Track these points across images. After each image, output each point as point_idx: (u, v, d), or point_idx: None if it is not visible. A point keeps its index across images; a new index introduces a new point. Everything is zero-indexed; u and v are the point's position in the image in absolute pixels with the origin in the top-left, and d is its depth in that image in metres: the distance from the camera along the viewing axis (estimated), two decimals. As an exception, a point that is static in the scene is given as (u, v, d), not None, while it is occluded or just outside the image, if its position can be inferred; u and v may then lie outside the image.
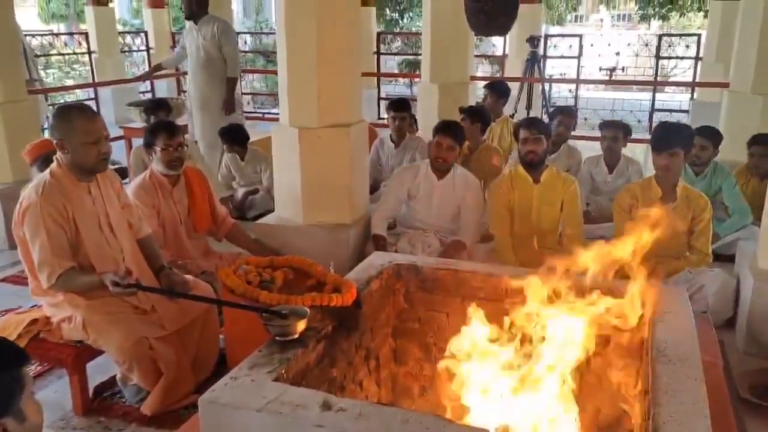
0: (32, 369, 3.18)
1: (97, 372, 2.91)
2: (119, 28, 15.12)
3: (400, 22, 17.92)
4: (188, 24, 6.03)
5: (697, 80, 9.39)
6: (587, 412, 2.51)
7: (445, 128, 3.93)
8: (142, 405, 2.74)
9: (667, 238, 2.18)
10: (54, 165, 2.64)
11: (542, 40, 8.90)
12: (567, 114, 5.17)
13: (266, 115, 10.13)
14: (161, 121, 3.99)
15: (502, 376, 2.30)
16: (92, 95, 9.53)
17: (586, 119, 9.47)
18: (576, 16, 24.59)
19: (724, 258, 3.95)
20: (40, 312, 2.79)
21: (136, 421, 2.72)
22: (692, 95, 9.89)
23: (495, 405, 2.26)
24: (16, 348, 1.43)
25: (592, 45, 11.06)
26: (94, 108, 9.03)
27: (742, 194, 4.30)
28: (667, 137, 3.44)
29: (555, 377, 2.25)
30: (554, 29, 17.77)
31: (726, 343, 3.18)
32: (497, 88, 5.79)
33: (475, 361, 2.37)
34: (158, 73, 7.80)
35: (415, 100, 6.64)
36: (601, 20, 25.51)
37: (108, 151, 2.64)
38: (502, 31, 3.72)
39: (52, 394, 2.93)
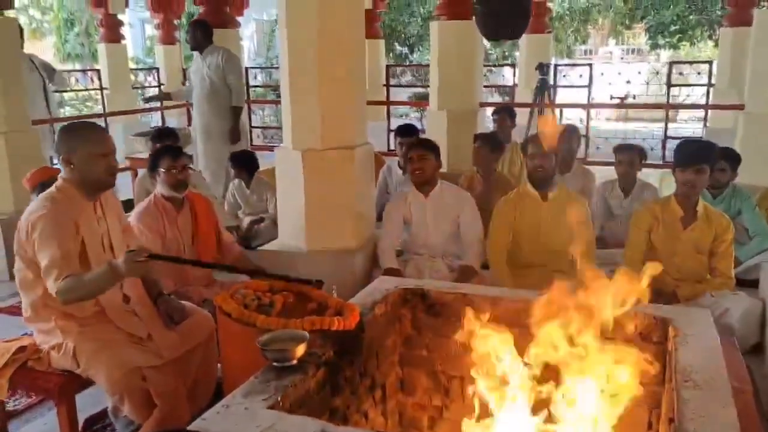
0: (21, 400, 3.11)
1: (88, 404, 2.79)
2: (132, 65, 15.36)
3: (410, 56, 18.08)
4: (194, 54, 6.07)
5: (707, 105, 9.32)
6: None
7: (413, 143, 4.06)
8: (132, 438, 2.61)
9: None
10: (59, 182, 2.57)
11: (552, 68, 8.88)
12: (567, 131, 5.08)
13: (275, 147, 10.11)
14: (165, 145, 3.95)
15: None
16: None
17: (598, 148, 9.37)
18: (585, 50, 24.71)
19: (746, 283, 3.78)
20: (29, 340, 2.68)
21: (126, 455, 2.59)
22: (705, 123, 9.79)
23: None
24: None
25: (602, 74, 11.01)
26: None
27: (762, 216, 4.16)
28: (694, 153, 3.33)
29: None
30: (559, 60, 17.83)
31: (753, 369, 3.01)
32: (507, 112, 5.74)
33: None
34: (169, 104, 7.86)
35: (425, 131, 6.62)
36: (611, 53, 25.59)
37: (116, 166, 2.58)
38: (513, 35, 3.67)
39: (41, 426, 2.82)
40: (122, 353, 2.50)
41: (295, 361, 2.01)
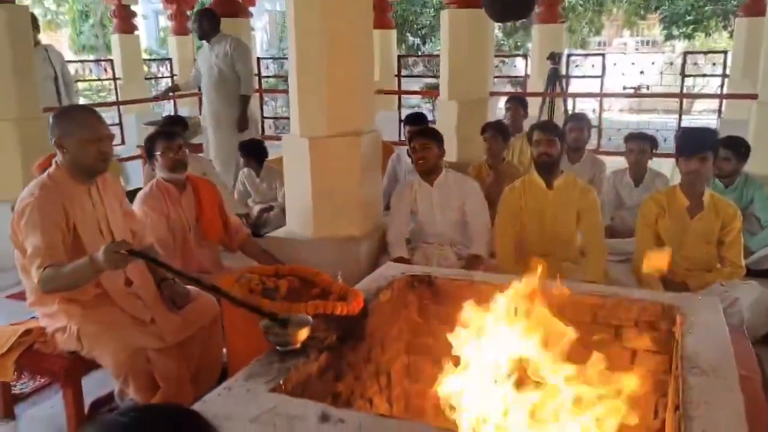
0: (28, 383, 3.13)
1: (95, 387, 2.81)
2: (145, 56, 15.41)
3: (422, 47, 17.99)
4: (202, 43, 6.06)
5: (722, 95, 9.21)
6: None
7: (415, 132, 4.00)
8: (138, 420, 2.61)
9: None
10: (52, 167, 2.57)
11: (563, 58, 8.79)
12: (578, 119, 5.05)
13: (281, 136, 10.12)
14: (158, 129, 3.94)
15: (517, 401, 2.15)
16: (116, 120, 9.62)
17: (610, 139, 9.29)
18: (599, 41, 24.48)
19: (758, 273, 3.73)
20: (35, 323, 2.70)
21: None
22: (719, 114, 9.67)
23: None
24: None
25: (615, 64, 10.88)
26: (118, 132, 9.26)
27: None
28: (696, 141, 3.29)
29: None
30: (578, 52, 17.68)
31: (763, 359, 2.97)
32: (519, 101, 5.71)
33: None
34: (180, 94, 7.86)
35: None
36: (625, 44, 25.34)
37: (108, 151, 2.57)
38: (518, 16, 3.64)
39: (47, 410, 2.84)
40: (126, 335, 2.51)
41: (297, 345, 2.01)
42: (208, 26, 5.83)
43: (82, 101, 14.18)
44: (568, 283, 2.29)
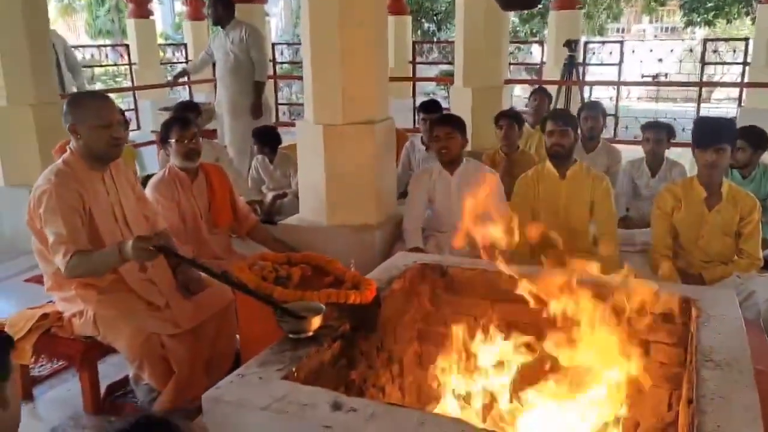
0: (46, 366, 3.18)
1: (111, 372, 2.84)
2: (161, 41, 15.42)
3: (437, 33, 17.86)
4: (216, 29, 6.05)
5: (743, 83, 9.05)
6: (627, 424, 2.34)
7: (438, 120, 3.98)
8: (153, 405, 2.65)
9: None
10: (66, 153, 2.59)
11: (581, 45, 8.68)
12: (592, 108, 5.01)
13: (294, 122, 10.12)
14: (174, 116, 3.96)
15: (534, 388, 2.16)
16: (132, 106, 9.67)
17: (627, 128, 9.19)
18: (618, 28, 24.17)
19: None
20: (52, 307, 2.73)
21: (147, 422, 2.62)
22: (740, 103, 9.52)
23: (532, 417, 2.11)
24: (2, 333, 1.35)
25: (633, 51, 10.72)
26: (134, 117, 9.32)
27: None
28: (713, 132, 3.22)
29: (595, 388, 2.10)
30: (596, 40, 17.47)
31: (780, 353, 2.94)
32: (545, 92, 5.72)
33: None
34: (196, 78, 7.86)
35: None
36: (644, 31, 25.03)
37: (121, 137, 2.58)
38: (526, 5, 3.60)
39: (65, 392, 2.88)
40: (141, 321, 2.54)
41: (310, 333, 2.02)
42: (223, 12, 5.82)
43: (98, 86, 14.30)
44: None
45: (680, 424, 2.24)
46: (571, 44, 7.14)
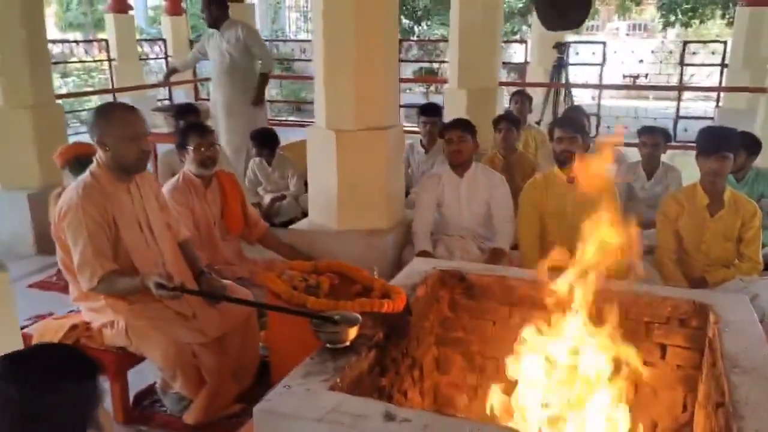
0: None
1: (135, 380, 2.83)
2: (136, 36, 15.17)
3: (416, 29, 17.87)
4: (210, 31, 6.00)
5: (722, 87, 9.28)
6: (644, 426, 2.43)
7: (451, 124, 4.00)
8: (184, 414, 2.67)
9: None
10: (93, 165, 2.58)
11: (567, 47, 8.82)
12: (575, 111, 5.13)
13: (283, 122, 10.11)
14: (192, 123, 3.95)
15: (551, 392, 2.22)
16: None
17: (609, 127, 9.36)
18: (592, 26, 24.46)
19: (772, 266, 3.83)
20: (78, 317, 2.72)
21: (179, 431, 2.65)
22: (717, 103, 9.76)
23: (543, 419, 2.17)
24: (92, 359, 1.37)
25: (615, 52, 10.91)
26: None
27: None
28: (717, 140, 3.33)
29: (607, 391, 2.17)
30: (570, 38, 17.64)
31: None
32: (524, 95, 5.78)
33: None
34: (176, 80, 7.77)
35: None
36: (617, 29, 25.36)
37: (148, 150, 2.58)
38: (576, 24, 3.65)
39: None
40: (173, 331, 2.55)
41: (348, 343, 2.05)
42: (218, 13, 5.79)
43: (74, 81, 14.03)
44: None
45: (697, 426, 2.33)
46: (560, 47, 7.25)
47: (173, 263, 2.72)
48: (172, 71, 6.92)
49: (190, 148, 3.42)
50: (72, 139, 6.39)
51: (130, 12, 11.74)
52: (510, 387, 2.30)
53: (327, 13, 3.80)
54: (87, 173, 2.56)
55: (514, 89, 6.37)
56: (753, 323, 2.25)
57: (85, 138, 3.12)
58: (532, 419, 2.23)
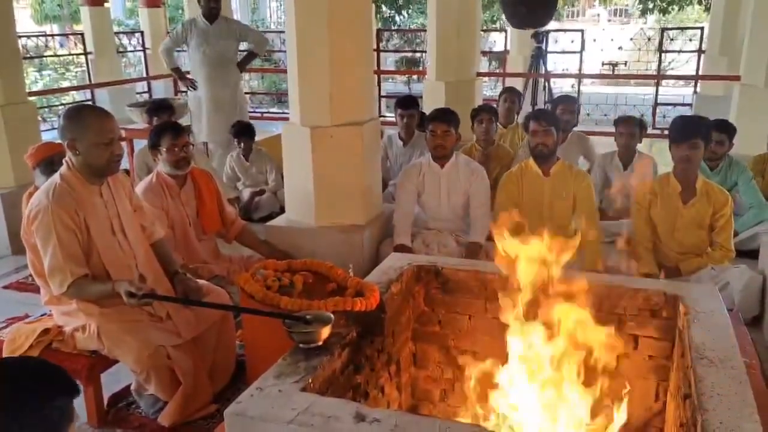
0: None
1: (110, 382, 2.82)
2: (114, 29, 14.97)
3: (397, 18, 17.81)
4: (192, 23, 5.92)
5: (700, 74, 9.33)
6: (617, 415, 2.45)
7: (436, 116, 3.96)
8: (159, 416, 2.66)
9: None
10: (63, 168, 2.54)
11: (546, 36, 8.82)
12: (568, 102, 5.14)
13: (265, 114, 10.05)
14: (166, 122, 3.91)
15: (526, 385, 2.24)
16: (89, 96, 9.41)
17: (588, 114, 9.39)
18: (572, 12, 24.53)
19: (745, 253, 3.88)
20: (50, 321, 2.69)
21: (154, 433, 2.64)
22: (695, 89, 9.82)
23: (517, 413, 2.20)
24: (65, 375, 1.35)
25: (594, 40, 10.95)
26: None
27: (758, 188, 4.24)
28: (688, 128, 3.39)
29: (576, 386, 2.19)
30: (551, 25, 17.67)
31: (755, 341, 3.11)
32: (515, 93, 5.74)
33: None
34: (155, 74, 7.67)
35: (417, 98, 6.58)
36: (598, 15, 25.47)
37: (120, 153, 2.54)
38: (541, 23, 3.66)
39: (66, 405, 2.83)
40: (146, 333, 2.53)
41: (320, 343, 2.05)
42: (216, 6, 5.78)
43: (50, 75, 13.83)
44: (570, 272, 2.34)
45: (669, 416, 2.37)
46: (538, 36, 7.25)
47: (146, 265, 2.70)
48: (178, 70, 6.63)
49: (163, 148, 3.38)
50: (49, 135, 6.32)
51: (106, 4, 11.56)
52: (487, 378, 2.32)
53: (299, 5, 3.76)
54: (57, 176, 2.52)
55: (495, 79, 6.37)
56: (721, 315, 2.27)
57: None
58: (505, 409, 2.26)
